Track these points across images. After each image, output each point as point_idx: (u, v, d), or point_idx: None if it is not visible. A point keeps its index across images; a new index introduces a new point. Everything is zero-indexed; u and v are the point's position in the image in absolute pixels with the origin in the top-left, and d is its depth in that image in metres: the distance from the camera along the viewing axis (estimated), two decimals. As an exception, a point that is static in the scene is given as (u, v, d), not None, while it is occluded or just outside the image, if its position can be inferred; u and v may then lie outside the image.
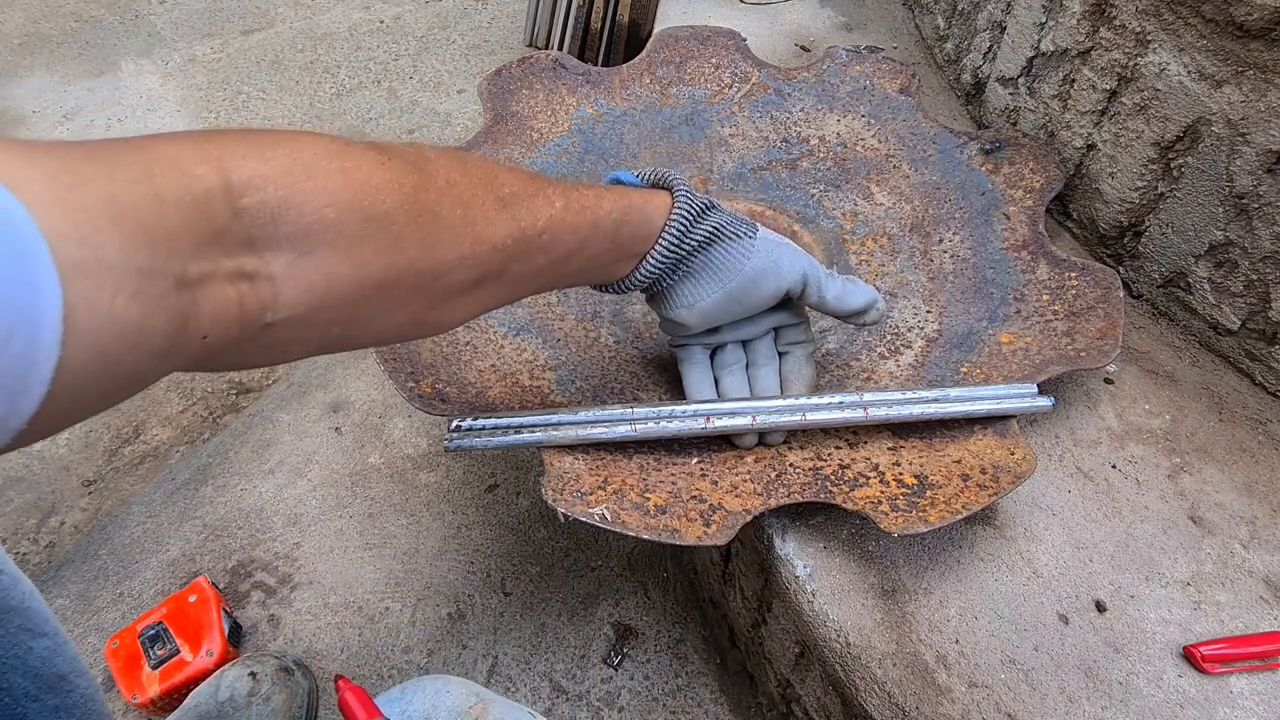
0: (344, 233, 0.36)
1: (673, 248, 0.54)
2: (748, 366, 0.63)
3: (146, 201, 0.29)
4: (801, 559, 0.58)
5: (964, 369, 0.65)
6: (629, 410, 0.59)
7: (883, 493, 0.56)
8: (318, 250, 0.36)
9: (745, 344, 0.63)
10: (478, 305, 0.47)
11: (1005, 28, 0.86)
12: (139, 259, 0.28)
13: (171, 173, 0.31)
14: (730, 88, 0.91)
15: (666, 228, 0.53)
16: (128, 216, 0.28)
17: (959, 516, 0.53)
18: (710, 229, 0.55)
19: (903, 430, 0.61)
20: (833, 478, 0.57)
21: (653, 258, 0.54)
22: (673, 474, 0.59)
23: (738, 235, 0.55)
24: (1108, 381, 0.69)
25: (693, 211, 0.54)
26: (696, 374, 0.62)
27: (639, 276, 0.55)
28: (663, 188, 0.55)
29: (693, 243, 0.54)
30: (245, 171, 0.33)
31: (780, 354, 0.63)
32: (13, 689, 0.51)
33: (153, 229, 0.29)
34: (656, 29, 1.00)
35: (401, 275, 0.40)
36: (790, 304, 0.61)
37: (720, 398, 0.62)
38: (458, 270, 0.42)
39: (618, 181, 0.56)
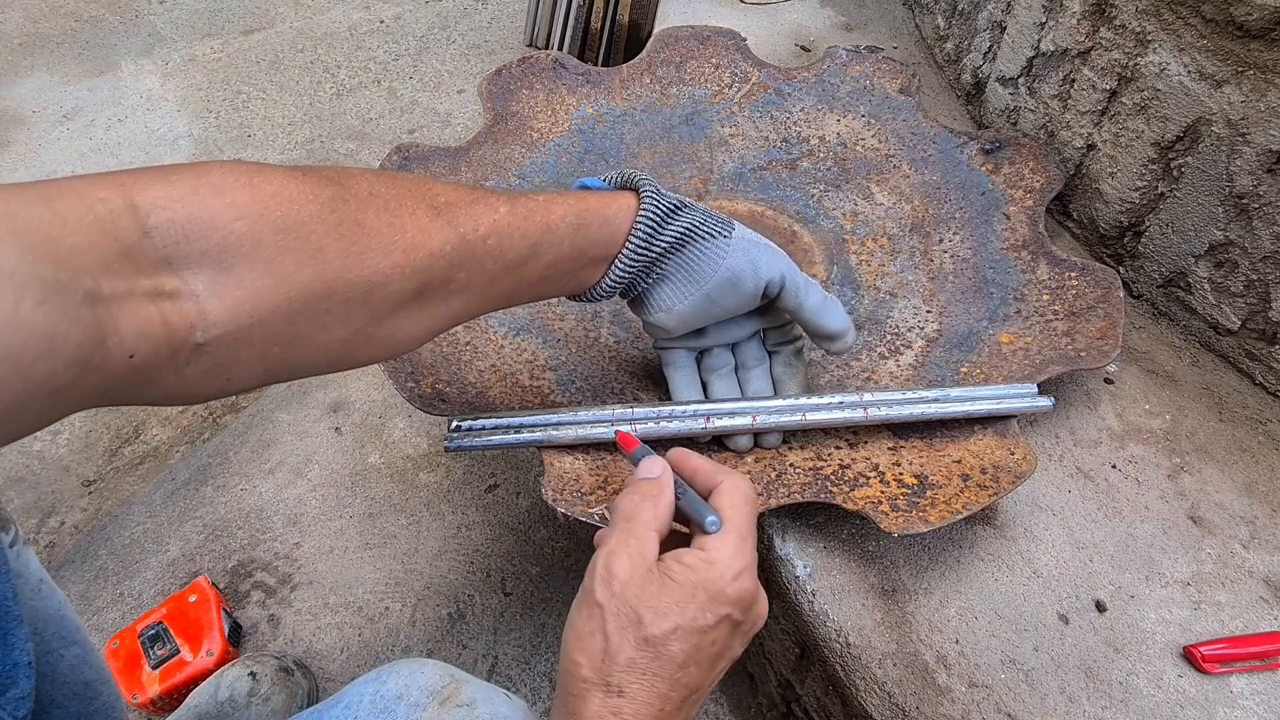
0: (260, 245, 0.36)
1: (641, 250, 0.52)
2: (737, 369, 0.61)
3: (47, 219, 0.30)
4: (801, 559, 0.58)
5: (964, 369, 0.65)
6: (629, 410, 0.59)
7: (883, 493, 0.56)
8: (237, 265, 0.36)
9: (733, 347, 0.61)
10: (429, 319, 0.46)
11: (1005, 28, 0.86)
12: (42, 269, 0.29)
13: (72, 196, 0.32)
14: (730, 88, 0.91)
15: (634, 230, 0.52)
16: (27, 230, 0.29)
17: (959, 516, 0.53)
18: (682, 229, 0.53)
19: (903, 430, 0.61)
20: (833, 478, 0.58)
21: (621, 262, 0.52)
22: (673, 474, 0.59)
23: (712, 235, 0.53)
24: (1108, 381, 0.69)
25: (661, 212, 0.52)
26: (681, 378, 0.61)
27: (609, 282, 0.53)
28: (630, 189, 0.54)
29: (663, 244, 0.53)
30: (150, 193, 0.34)
31: (770, 354, 0.62)
32: (39, 696, 0.51)
33: (56, 243, 0.30)
34: (656, 29, 1.00)
35: (331, 286, 0.39)
36: (774, 306, 0.59)
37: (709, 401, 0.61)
38: (394, 279, 0.42)
39: (584, 188, 0.54)
